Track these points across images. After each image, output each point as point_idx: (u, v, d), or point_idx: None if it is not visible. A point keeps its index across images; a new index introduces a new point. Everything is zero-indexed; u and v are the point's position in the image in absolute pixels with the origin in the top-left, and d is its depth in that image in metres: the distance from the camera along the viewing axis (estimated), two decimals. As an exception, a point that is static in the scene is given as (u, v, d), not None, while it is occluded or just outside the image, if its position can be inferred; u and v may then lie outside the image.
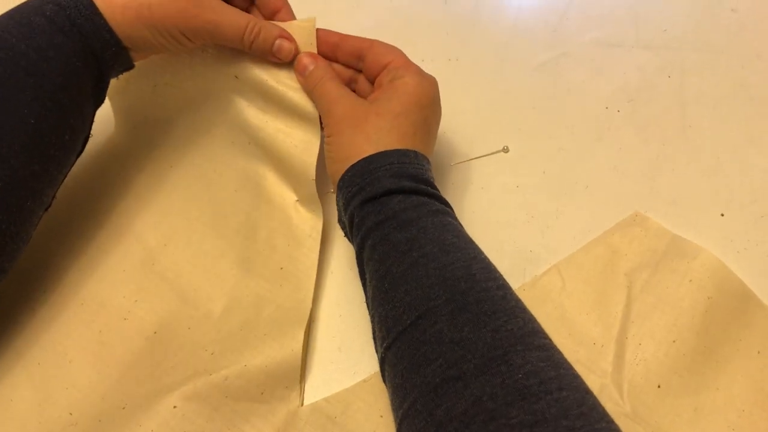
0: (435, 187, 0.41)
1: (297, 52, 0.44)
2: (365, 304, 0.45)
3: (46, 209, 0.42)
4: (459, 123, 0.54)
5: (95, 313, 0.44)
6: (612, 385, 0.41)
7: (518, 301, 0.35)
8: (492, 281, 0.35)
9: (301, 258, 0.46)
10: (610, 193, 0.50)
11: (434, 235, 0.37)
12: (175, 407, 0.39)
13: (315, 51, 0.45)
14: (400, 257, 0.36)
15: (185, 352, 0.42)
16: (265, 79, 0.45)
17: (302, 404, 0.42)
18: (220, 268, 0.46)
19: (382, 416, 0.41)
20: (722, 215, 0.49)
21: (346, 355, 0.44)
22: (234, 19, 0.42)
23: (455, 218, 0.40)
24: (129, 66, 0.44)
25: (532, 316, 0.34)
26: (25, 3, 0.39)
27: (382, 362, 0.37)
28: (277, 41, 0.43)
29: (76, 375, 0.42)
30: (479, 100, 0.56)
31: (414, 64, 0.44)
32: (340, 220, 0.43)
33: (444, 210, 0.39)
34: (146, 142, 0.51)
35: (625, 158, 0.52)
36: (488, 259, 0.38)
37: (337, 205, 0.42)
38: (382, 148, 0.40)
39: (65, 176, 0.42)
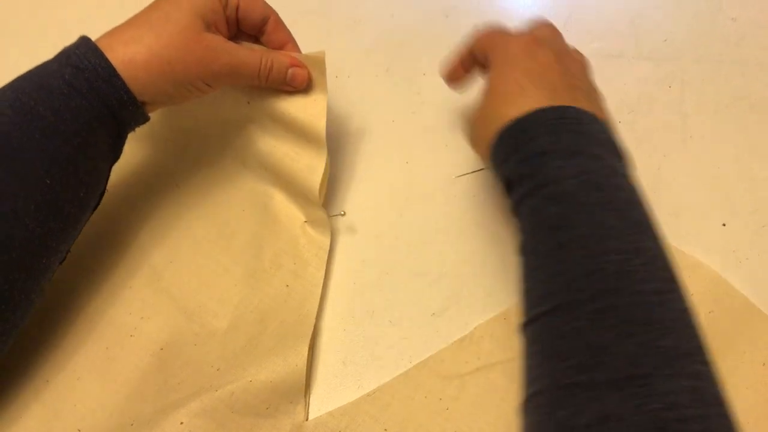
0: (605, 144, 0.35)
1: (311, 78, 0.45)
2: (371, 319, 0.46)
3: (61, 263, 0.43)
4: (462, 136, 0.54)
5: (102, 330, 0.45)
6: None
7: (683, 311, 0.30)
8: (652, 282, 0.30)
9: (307, 276, 0.46)
10: (611, 204, 0.50)
11: (591, 214, 0.32)
12: (181, 423, 0.39)
13: (326, 82, 0.46)
14: (549, 234, 0.33)
15: (191, 368, 0.43)
16: (277, 104, 0.46)
17: (307, 418, 0.42)
18: (225, 285, 0.47)
19: (386, 429, 0.41)
20: (724, 225, 0.49)
21: (351, 369, 0.44)
22: (248, 56, 0.43)
23: (625, 179, 0.35)
24: (145, 119, 0.44)
25: (691, 330, 0.30)
26: (44, 65, 0.39)
27: (522, 330, 0.34)
28: (290, 70, 0.44)
29: (83, 392, 0.42)
30: (481, 113, 0.57)
31: (503, 34, 0.43)
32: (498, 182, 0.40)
33: (610, 180, 0.34)
34: (152, 162, 0.52)
35: (626, 169, 0.52)
36: (656, 247, 0.32)
37: (492, 169, 0.40)
38: (528, 107, 0.36)
39: (80, 231, 0.43)
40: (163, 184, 0.52)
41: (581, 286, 0.31)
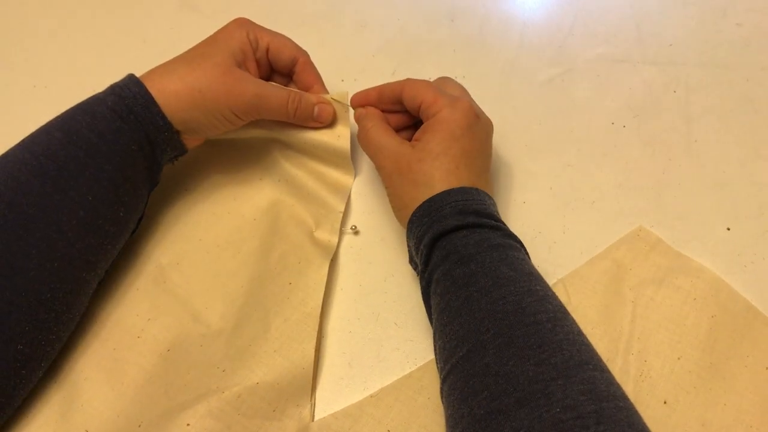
0: (498, 220, 0.41)
1: (336, 116, 0.49)
2: (377, 321, 0.46)
3: (100, 283, 0.45)
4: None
5: (109, 331, 0.45)
6: (619, 400, 0.41)
7: (570, 333, 0.35)
8: (543, 314, 0.35)
9: (310, 274, 0.47)
10: (616, 208, 0.50)
11: (490, 269, 0.38)
12: (188, 425, 0.40)
13: (348, 118, 0.49)
14: (458, 291, 0.38)
15: (198, 369, 0.43)
16: (303, 131, 0.49)
17: (313, 420, 0.42)
18: (231, 287, 0.47)
19: (389, 431, 0.41)
20: (728, 229, 0.49)
21: (357, 371, 0.44)
22: (276, 89, 0.46)
23: (519, 249, 0.41)
24: (182, 151, 0.47)
25: (583, 347, 0.34)
26: (93, 96, 0.43)
27: (441, 393, 0.37)
28: (317, 106, 0.48)
29: (91, 392, 0.42)
30: (486, 117, 0.57)
31: (443, 95, 0.45)
32: (411, 261, 0.45)
33: (506, 243, 0.40)
34: (170, 177, 0.53)
35: (631, 173, 0.52)
36: (546, 289, 0.38)
37: (408, 246, 0.44)
38: (430, 192, 0.41)
39: (117, 251, 0.45)
40: (172, 187, 0.52)
41: (486, 327, 0.35)
